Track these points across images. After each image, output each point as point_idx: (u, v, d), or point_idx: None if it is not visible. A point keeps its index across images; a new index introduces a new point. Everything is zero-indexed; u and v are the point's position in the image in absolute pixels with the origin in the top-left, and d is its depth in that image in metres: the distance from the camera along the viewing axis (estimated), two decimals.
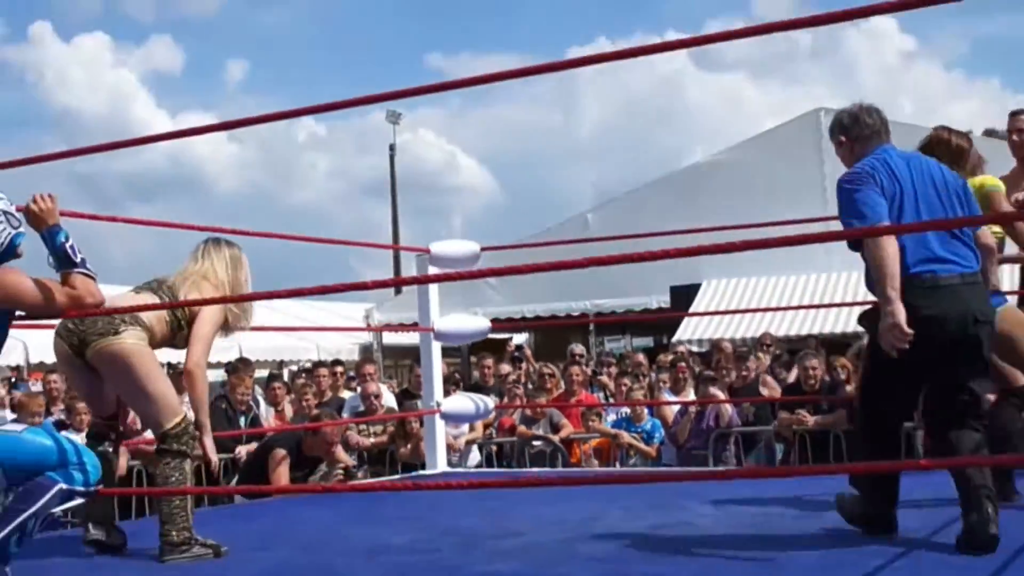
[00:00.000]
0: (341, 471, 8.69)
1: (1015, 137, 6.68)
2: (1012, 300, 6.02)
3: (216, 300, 5.12)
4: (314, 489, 7.74)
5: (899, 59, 55.71)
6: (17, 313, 4.46)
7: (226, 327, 5.29)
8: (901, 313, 4.28)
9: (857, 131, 4.84)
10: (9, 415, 9.12)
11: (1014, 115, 6.73)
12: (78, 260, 4.43)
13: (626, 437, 10.00)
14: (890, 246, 4.35)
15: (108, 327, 4.95)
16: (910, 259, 4.42)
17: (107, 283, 4.76)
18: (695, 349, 14.62)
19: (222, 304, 5.19)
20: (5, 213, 4.36)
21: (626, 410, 10.31)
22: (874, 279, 4.44)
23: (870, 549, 4.40)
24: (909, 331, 4.26)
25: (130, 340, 4.93)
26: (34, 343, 15.37)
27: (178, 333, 5.17)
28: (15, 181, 4.82)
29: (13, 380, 14.82)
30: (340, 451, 8.82)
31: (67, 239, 4.48)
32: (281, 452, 8.18)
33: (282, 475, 8.12)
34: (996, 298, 5.19)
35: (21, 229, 4.39)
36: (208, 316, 5.16)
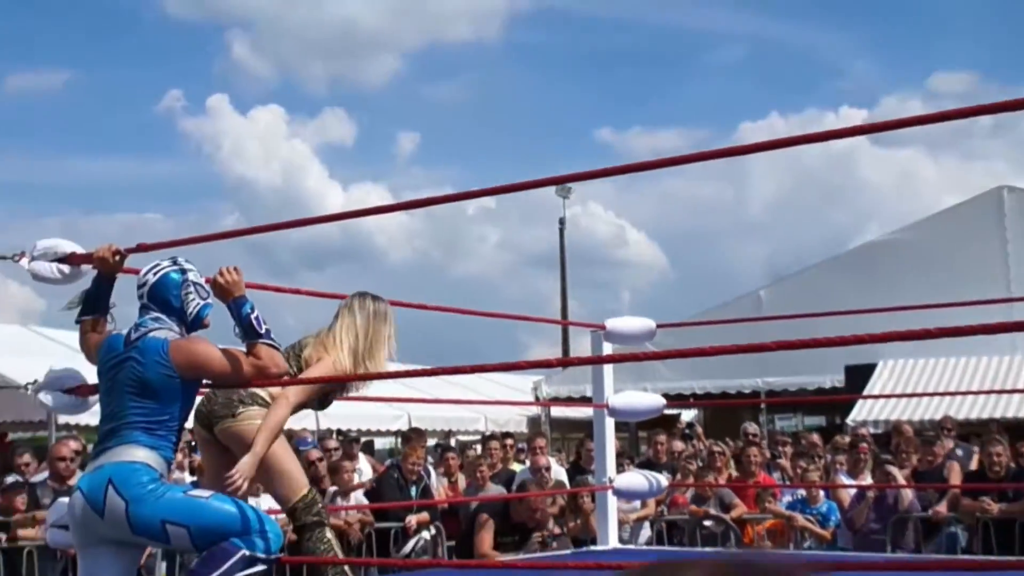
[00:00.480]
0: (538, 539, 8.85)
1: None
2: None
3: (321, 379, 5.19)
4: (483, 565, 7.88)
5: None
6: (205, 381, 4.66)
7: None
8: None
9: None
10: (188, 478, 9.48)
11: None
12: (263, 331, 4.55)
13: (800, 519, 9.92)
14: None
15: (226, 408, 5.14)
16: None
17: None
18: (871, 430, 14.41)
19: (353, 357, 5.29)
20: (195, 284, 4.64)
21: (801, 492, 10.22)
22: None
23: None
24: None
25: (245, 421, 5.10)
26: None
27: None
28: (196, 250, 5.11)
29: (193, 443, 15.30)
30: (546, 518, 8.99)
31: (252, 310, 4.61)
32: (485, 516, 8.50)
33: (485, 539, 8.37)
34: None
35: (209, 300, 4.65)
36: (324, 367, 5.23)
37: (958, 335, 3.65)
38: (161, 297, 4.58)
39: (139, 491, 4.25)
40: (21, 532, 8.47)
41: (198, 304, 4.60)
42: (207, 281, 4.67)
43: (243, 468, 4.76)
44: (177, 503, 4.30)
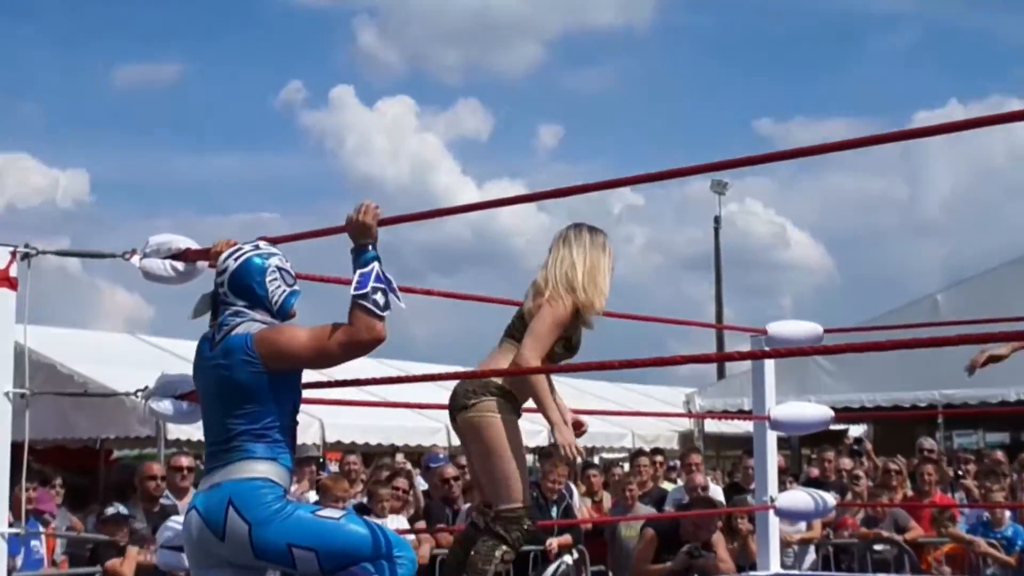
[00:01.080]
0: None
1: None
2: None
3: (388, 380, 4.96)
4: None
5: None
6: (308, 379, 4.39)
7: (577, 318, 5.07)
8: None
9: None
10: (312, 496, 9.28)
11: None
12: (367, 289, 4.07)
13: (983, 544, 9.38)
14: None
15: (457, 401, 5.01)
16: None
17: (407, 359, 4.69)
18: None
19: (572, 287, 5.01)
20: (280, 270, 4.34)
21: (984, 514, 9.68)
22: None
23: None
24: None
25: (475, 413, 4.94)
26: (330, 421, 15.51)
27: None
28: (316, 245, 4.82)
29: (321, 460, 15.18)
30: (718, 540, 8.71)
31: (375, 262, 4.18)
32: (651, 532, 8.50)
33: (647, 554, 8.50)
34: None
35: (296, 288, 4.38)
36: (547, 311, 4.98)
37: None
38: (243, 284, 4.27)
39: (263, 512, 4.05)
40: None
41: (283, 292, 4.31)
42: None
43: (565, 440, 5.03)
44: (305, 524, 4.08)
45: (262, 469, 4.09)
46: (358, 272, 4.13)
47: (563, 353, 5.15)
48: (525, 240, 53.07)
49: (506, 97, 58.82)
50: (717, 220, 34.11)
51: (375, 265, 4.14)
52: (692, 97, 57.64)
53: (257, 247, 4.39)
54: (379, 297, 4.07)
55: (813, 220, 65.09)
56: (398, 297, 4.18)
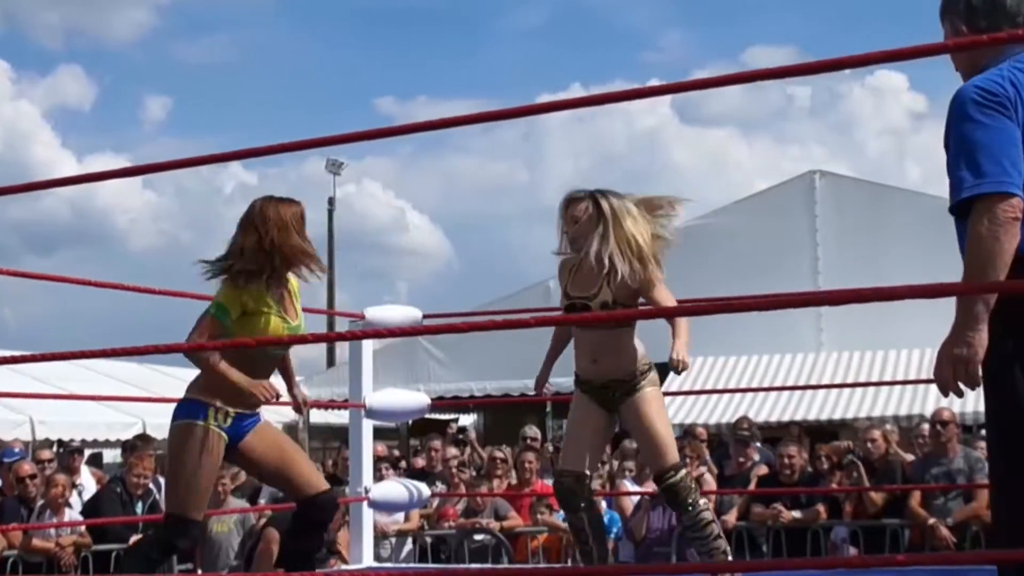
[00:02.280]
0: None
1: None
2: None
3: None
4: None
5: (908, 119, 56.43)
6: None
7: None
8: (982, 344, 3.46)
9: (994, 19, 3.81)
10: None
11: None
12: None
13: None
14: (1011, 235, 3.45)
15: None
16: None
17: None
18: None
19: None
20: None
21: None
22: (966, 269, 3.54)
23: None
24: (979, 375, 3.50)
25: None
26: None
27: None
28: None
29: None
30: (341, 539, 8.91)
31: None
32: (274, 534, 8.37)
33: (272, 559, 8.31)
34: None
35: None
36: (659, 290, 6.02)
37: (752, 310, 3.61)
38: None
39: None
40: None
41: None
42: None
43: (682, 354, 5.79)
44: None
45: None
46: None
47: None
48: (129, 219, 51.90)
49: (112, 64, 57.23)
50: (331, 202, 34.37)
51: None
52: (312, 72, 57.69)
53: None
54: None
55: (433, 204, 66.43)
56: None
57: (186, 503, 5.51)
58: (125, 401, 16.66)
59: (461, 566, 9.48)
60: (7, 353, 5.50)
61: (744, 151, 56.15)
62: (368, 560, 8.25)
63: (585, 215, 6.04)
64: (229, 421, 5.54)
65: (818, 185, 19.24)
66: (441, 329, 3.94)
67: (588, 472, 6.10)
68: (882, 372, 16.45)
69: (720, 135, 57.43)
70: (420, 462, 12.44)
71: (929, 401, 14.40)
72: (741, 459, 10.33)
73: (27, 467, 9.61)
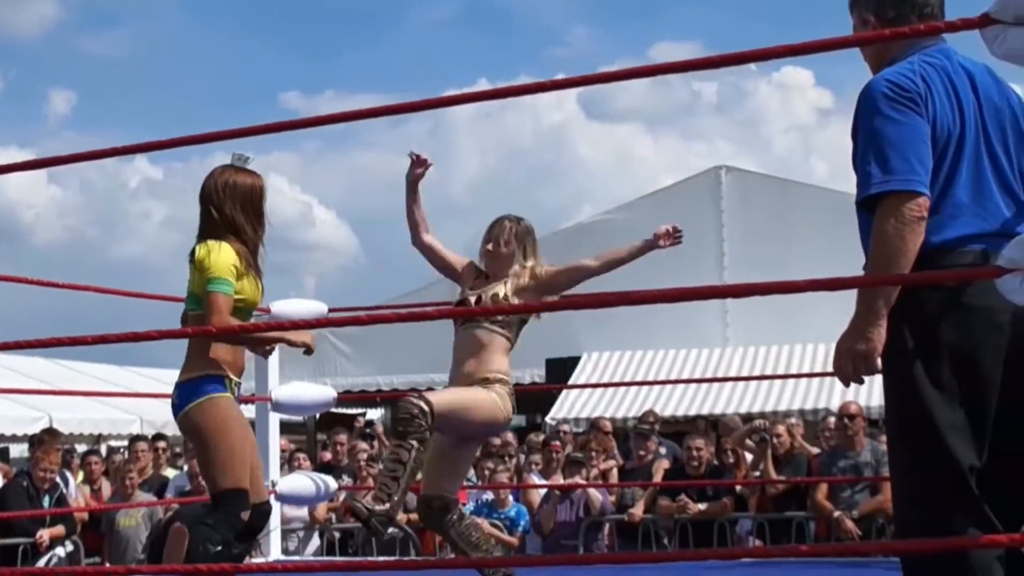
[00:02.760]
0: None
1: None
2: None
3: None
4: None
5: (814, 115, 57.07)
6: None
7: None
8: (880, 339, 3.54)
9: (901, 8, 3.83)
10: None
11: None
12: None
13: (484, 525, 10.10)
14: (915, 234, 3.51)
15: None
16: (963, 229, 3.61)
17: None
18: (571, 429, 14.84)
19: None
20: None
21: (489, 495, 10.44)
22: (870, 265, 3.61)
23: None
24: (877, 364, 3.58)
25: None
26: None
27: None
28: None
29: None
30: None
31: None
32: (183, 528, 8.32)
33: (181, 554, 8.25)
34: None
35: None
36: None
37: (658, 302, 3.58)
38: None
39: None
40: None
41: None
42: None
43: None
44: None
45: None
46: None
47: None
48: (35, 214, 51.36)
49: (17, 58, 56.51)
50: None
51: None
52: (218, 67, 57.30)
53: None
54: None
55: (340, 199, 66.11)
56: None
57: (237, 475, 5.30)
58: (31, 395, 16.57)
59: (368, 559, 9.54)
60: None
61: (650, 147, 56.52)
62: (276, 553, 8.32)
63: (507, 249, 6.15)
64: (237, 391, 5.51)
65: (724, 181, 19.42)
66: (345, 322, 4.02)
67: (449, 494, 6.13)
68: (788, 366, 16.66)
69: (626, 130, 57.75)
70: (327, 456, 12.48)
71: (835, 395, 14.65)
72: (641, 452, 10.47)
73: None
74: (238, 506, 5.30)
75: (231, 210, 5.50)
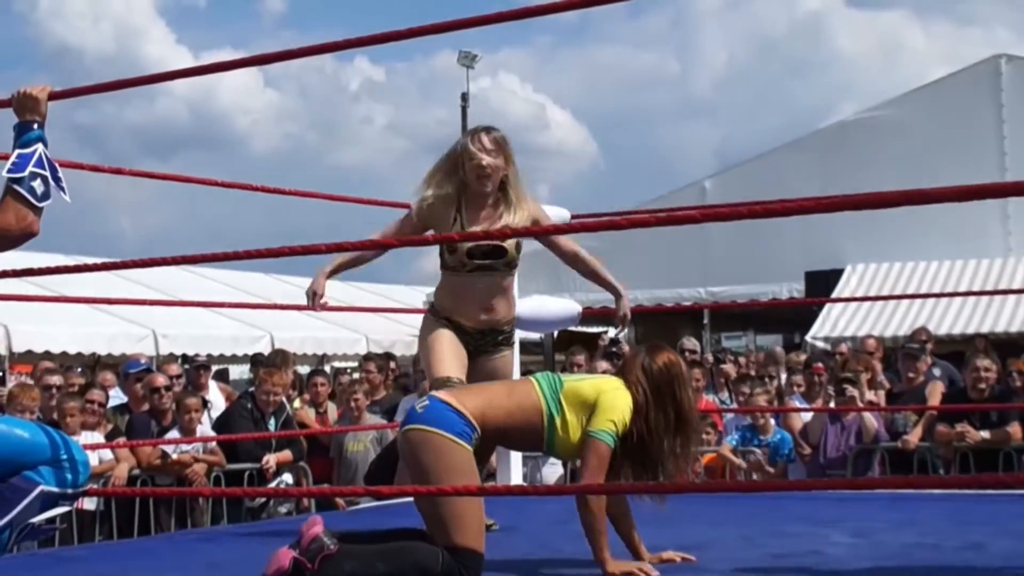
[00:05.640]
0: None
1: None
2: None
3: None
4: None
5: None
6: None
7: None
8: None
9: None
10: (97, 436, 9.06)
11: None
12: (25, 174, 4.06)
13: (729, 452, 9.89)
14: None
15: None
16: None
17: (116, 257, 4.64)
18: (831, 348, 14.50)
19: None
20: None
21: (747, 419, 10.22)
22: None
23: None
24: None
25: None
26: (18, 328, 15.22)
27: None
28: None
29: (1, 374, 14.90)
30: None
31: (38, 143, 4.17)
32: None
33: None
34: None
35: None
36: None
37: (938, 202, 3.39)
38: None
39: None
40: None
41: None
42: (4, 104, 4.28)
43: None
44: None
45: None
46: (16, 152, 4.12)
47: None
48: (251, 120, 52.31)
49: None
50: (464, 97, 33.87)
51: (39, 147, 4.15)
52: None
53: None
54: (37, 185, 4.07)
55: (576, 98, 66.02)
56: (63, 188, 4.17)
57: (475, 533, 4.59)
58: (253, 311, 16.87)
59: None
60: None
61: (919, 35, 54.92)
62: (517, 479, 8.25)
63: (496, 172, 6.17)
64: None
65: (1004, 71, 18.78)
66: (599, 226, 3.82)
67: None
68: None
69: (892, 18, 56.26)
70: None
71: None
72: (911, 374, 10.06)
73: (160, 379, 9.65)
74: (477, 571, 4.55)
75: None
